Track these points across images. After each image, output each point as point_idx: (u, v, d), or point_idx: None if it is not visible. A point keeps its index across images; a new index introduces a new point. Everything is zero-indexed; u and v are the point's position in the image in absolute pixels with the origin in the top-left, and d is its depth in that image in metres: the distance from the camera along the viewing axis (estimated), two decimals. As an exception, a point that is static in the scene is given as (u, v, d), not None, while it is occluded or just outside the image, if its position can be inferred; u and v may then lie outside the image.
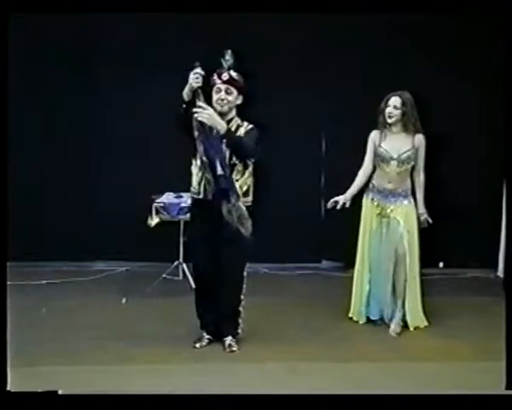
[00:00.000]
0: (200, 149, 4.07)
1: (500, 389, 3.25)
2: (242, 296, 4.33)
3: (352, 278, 4.98)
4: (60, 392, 3.13)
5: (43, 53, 6.03)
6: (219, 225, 4.06)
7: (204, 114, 3.96)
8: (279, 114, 6.11)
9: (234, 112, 4.18)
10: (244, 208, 4.06)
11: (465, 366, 4.10)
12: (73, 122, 6.16)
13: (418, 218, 4.75)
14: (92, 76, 6.12)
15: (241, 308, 4.34)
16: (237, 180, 4.12)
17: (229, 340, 4.28)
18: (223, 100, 4.09)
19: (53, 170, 6.16)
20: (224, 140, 4.03)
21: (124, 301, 5.30)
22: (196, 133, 4.08)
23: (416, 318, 4.77)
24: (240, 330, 4.38)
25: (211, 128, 4.03)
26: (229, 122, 4.11)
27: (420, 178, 4.78)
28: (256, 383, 3.77)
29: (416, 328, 4.74)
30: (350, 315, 4.93)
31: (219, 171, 3.98)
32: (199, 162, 4.12)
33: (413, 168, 4.75)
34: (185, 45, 5.90)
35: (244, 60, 5.93)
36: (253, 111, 6.05)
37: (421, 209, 4.78)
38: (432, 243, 6.07)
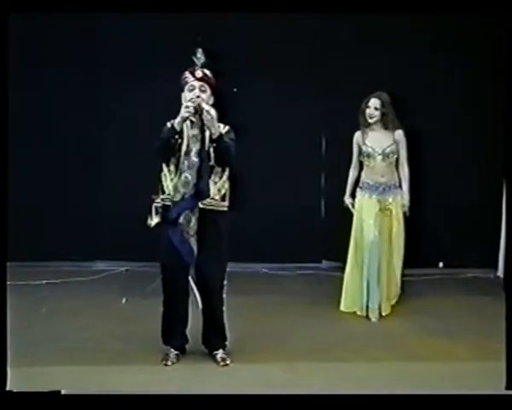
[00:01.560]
0: (182, 151, 3.91)
1: (500, 389, 3.25)
2: (224, 308, 4.11)
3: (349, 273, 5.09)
4: (63, 392, 3.13)
5: (43, 53, 6.04)
6: (198, 232, 3.94)
7: (209, 115, 3.81)
8: (279, 114, 6.12)
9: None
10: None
11: (465, 366, 4.10)
12: (73, 122, 6.16)
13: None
14: (92, 76, 6.13)
15: (225, 320, 4.12)
16: (215, 183, 3.95)
17: (220, 353, 4.09)
18: (198, 98, 3.89)
19: (53, 170, 6.16)
20: (214, 144, 3.87)
21: (124, 301, 5.30)
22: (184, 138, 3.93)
23: (388, 306, 5.09)
24: (228, 343, 4.16)
25: (201, 131, 3.91)
26: (198, 116, 3.90)
27: (404, 170, 5.05)
28: (255, 383, 3.77)
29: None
30: (354, 310, 5.06)
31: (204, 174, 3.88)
32: (173, 166, 3.93)
33: (397, 162, 5.04)
34: (186, 46, 5.89)
35: (244, 60, 5.98)
36: (253, 111, 6.11)
37: (406, 201, 5.03)
38: (432, 243, 6.08)
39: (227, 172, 4.02)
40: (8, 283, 3.18)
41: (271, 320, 4.87)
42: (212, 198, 3.94)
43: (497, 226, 6.09)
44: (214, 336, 4.15)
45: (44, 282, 5.73)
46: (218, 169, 3.96)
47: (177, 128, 3.84)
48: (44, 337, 4.42)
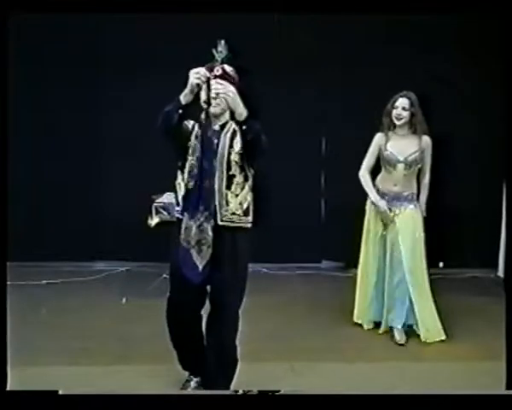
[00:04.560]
0: (196, 154, 3.45)
1: (500, 389, 3.25)
2: (237, 341, 3.62)
3: (354, 281, 4.93)
4: (60, 392, 3.13)
5: (44, 53, 6.04)
6: (214, 254, 3.43)
7: (229, 92, 3.28)
8: (279, 114, 6.11)
9: (227, 115, 3.50)
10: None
11: (465, 366, 4.10)
12: (73, 122, 6.16)
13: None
14: (93, 76, 6.12)
15: (237, 354, 3.64)
16: (237, 195, 3.45)
17: None
18: (215, 98, 3.41)
19: (53, 170, 6.16)
20: (243, 127, 3.31)
21: (124, 301, 5.30)
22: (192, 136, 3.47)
23: (433, 331, 4.59)
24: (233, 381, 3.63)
25: (211, 125, 3.45)
26: (223, 126, 3.48)
27: (425, 180, 4.72)
28: (255, 383, 3.77)
29: (431, 342, 4.55)
30: (355, 320, 4.85)
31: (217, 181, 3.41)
32: (186, 175, 3.47)
33: (419, 170, 4.68)
34: (186, 45, 5.90)
35: (244, 60, 5.96)
36: (253, 111, 6.10)
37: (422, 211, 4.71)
38: (432, 243, 6.08)
39: (250, 182, 3.53)
40: (8, 283, 3.18)
41: (271, 320, 4.88)
42: (234, 213, 3.46)
43: (497, 226, 6.09)
44: (219, 372, 3.61)
45: (44, 282, 5.73)
46: (240, 179, 3.47)
47: (182, 101, 3.30)
48: (44, 337, 4.42)
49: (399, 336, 4.56)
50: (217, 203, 3.42)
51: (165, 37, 5.99)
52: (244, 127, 3.31)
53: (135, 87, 6.07)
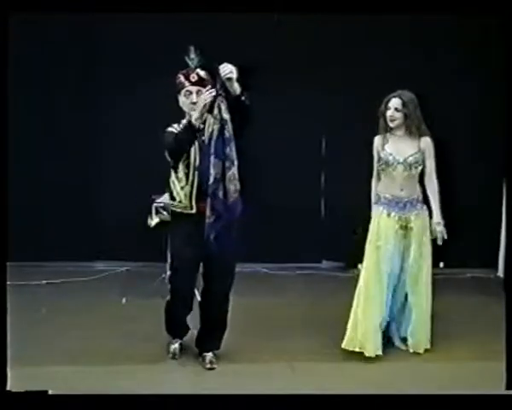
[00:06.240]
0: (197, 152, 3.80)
1: (500, 389, 3.26)
2: (229, 308, 4.06)
3: (354, 282, 4.72)
4: (62, 392, 3.14)
5: (44, 53, 6.04)
6: (208, 241, 3.72)
7: (232, 68, 3.51)
8: (280, 114, 6.12)
9: (205, 113, 3.78)
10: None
11: (465, 366, 4.10)
12: (73, 122, 6.16)
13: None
14: (93, 76, 6.12)
15: (227, 321, 4.08)
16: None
17: (210, 356, 4.03)
18: (195, 104, 3.71)
19: (53, 170, 6.16)
20: (239, 99, 3.59)
21: (124, 301, 5.30)
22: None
23: (421, 340, 4.43)
24: (221, 345, 4.12)
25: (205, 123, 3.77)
26: (204, 123, 3.77)
27: (433, 184, 4.40)
28: (255, 383, 3.77)
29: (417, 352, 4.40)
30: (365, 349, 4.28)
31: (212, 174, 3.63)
32: (182, 173, 3.84)
33: (422, 174, 4.41)
34: (186, 46, 5.90)
35: (245, 60, 5.97)
36: (253, 112, 6.10)
37: (438, 219, 4.36)
38: (432, 244, 6.07)
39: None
40: (8, 283, 3.18)
41: (271, 320, 4.87)
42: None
43: (497, 226, 6.09)
44: (210, 337, 4.09)
45: (44, 282, 5.73)
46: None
47: (196, 125, 3.67)
48: (44, 337, 4.42)
49: (401, 344, 4.47)
50: (215, 193, 3.66)
51: (165, 38, 5.99)
52: (243, 98, 3.60)
53: (135, 87, 6.06)
